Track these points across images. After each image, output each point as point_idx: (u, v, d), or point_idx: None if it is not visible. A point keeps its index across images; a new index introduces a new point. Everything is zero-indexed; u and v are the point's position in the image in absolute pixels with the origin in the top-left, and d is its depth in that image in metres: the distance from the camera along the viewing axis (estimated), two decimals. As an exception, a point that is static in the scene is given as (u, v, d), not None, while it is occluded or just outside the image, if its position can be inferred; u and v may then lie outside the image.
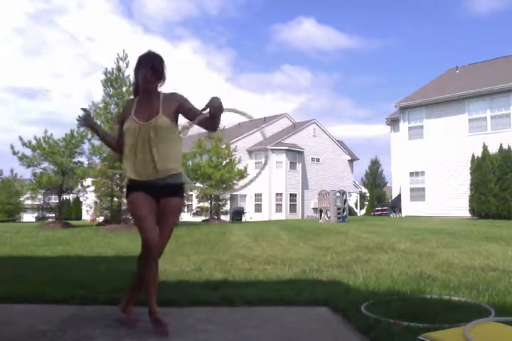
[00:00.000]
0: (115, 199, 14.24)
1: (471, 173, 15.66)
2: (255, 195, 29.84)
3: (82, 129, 15.47)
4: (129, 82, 14.42)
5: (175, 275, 3.97)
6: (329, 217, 16.26)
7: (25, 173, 23.55)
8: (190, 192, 22.33)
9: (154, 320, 2.38)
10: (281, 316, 2.77)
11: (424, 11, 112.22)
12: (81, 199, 26.19)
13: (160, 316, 2.38)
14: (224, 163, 19.10)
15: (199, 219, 19.03)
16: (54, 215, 18.23)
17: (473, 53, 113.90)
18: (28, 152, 15.32)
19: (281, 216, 28.20)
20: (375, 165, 37.24)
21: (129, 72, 14.90)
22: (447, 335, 1.92)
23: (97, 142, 14.58)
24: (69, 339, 2.30)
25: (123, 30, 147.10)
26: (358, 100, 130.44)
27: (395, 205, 21.65)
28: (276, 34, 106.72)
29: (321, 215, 16.92)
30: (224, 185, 18.79)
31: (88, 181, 16.92)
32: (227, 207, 22.38)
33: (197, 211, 19.47)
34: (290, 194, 29.59)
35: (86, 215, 29.13)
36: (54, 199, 21.55)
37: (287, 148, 29.32)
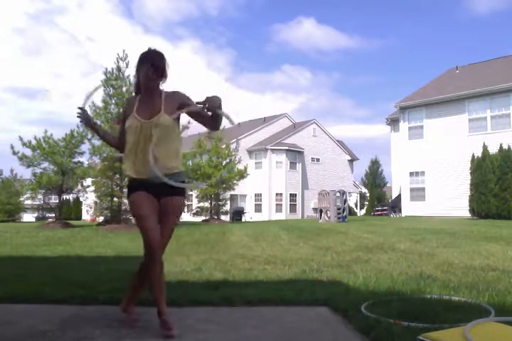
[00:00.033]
0: (115, 199, 14.24)
1: (471, 173, 15.67)
2: (255, 195, 29.84)
3: (82, 129, 15.48)
4: (129, 82, 14.42)
5: (175, 275, 3.97)
6: (329, 217, 16.26)
7: (25, 173, 23.57)
8: (190, 192, 22.32)
9: (162, 322, 2.38)
10: (281, 316, 2.77)
11: (424, 11, 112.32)
12: (81, 199, 26.19)
13: (168, 318, 2.37)
14: (224, 163, 19.12)
15: (199, 219, 19.02)
16: (54, 215, 18.23)
17: (473, 53, 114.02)
18: (28, 152, 15.35)
19: (281, 216, 28.20)
20: (375, 165, 37.23)
21: (129, 72, 14.92)
22: (447, 335, 1.92)
23: (97, 142, 14.58)
24: (69, 339, 2.30)
25: (123, 30, 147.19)
26: (358, 100, 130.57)
27: (395, 205, 21.66)
28: (276, 34, 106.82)
29: (321, 215, 16.92)
30: (224, 185, 18.81)
31: (88, 181, 16.92)
32: (227, 207, 22.38)
33: (197, 211, 19.47)
34: (290, 194, 29.59)
35: (86, 215, 29.14)
36: (54, 199, 21.56)
37: (287, 148, 29.32)
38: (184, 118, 2.60)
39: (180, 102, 2.48)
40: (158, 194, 2.46)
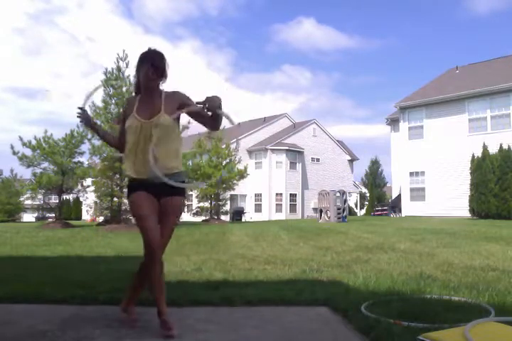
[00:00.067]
0: (115, 199, 14.24)
1: (471, 173, 15.67)
2: (255, 195, 29.85)
3: (82, 129, 15.48)
4: (129, 82, 14.41)
5: (175, 276, 3.97)
6: (329, 217, 16.26)
7: (25, 173, 23.56)
8: (190, 192, 22.33)
9: (162, 322, 2.38)
10: (281, 316, 2.77)
11: (424, 11, 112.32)
12: (81, 199, 26.18)
13: (168, 318, 2.37)
14: (224, 163, 19.12)
15: (199, 219, 19.02)
16: (54, 215, 18.22)
17: (473, 53, 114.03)
18: (28, 152, 15.35)
19: (281, 216, 28.20)
20: (375, 165, 37.24)
21: (129, 72, 14.92)
22: (447, 335, 1.92)
23: (97, 142, 14.58)
24: (69, 339, 2.30)
25: (123, 30, 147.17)
26: (358, 100, 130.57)
27: (395, 205, 21.66)
28: (276, 34, 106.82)
29: (321, 215, 16.93)
30: (224, 185, 18.81)
31: (88, 181, 16.92)
32: (227, 207, 22.38)
33: (197, 211, 19.47)
34: (290, 194, 29.59)
35: (86, 215, 29.14)
36: (54, 199, 21.55)
37: (287, 148, 29.33)
38: (184, 118, 2.61)
39: (180, 102, 2.48)
40: (158, 194, 2.46)
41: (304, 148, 30.59)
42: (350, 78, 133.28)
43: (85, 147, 21.51)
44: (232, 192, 21.62)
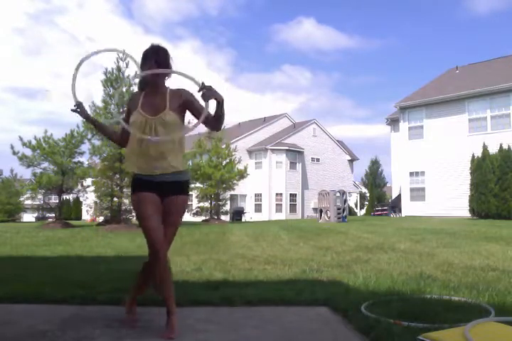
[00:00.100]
0: (115, 199, 14.24)
1: (471, 173, 15.67)
2: (255, 195, 29.84)
3: (82, 129, 15.49)
4: (129, 82, 14.41)
5: (175, 276, 3.96)
6: (329, 217, 16.26)
7: (25, 173, 23.55)
8: (190, 192, 22.32)
9: (168, 322, 2.38)
10: (281, 316, 2.77)
11: (424, 11, 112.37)
12: (81, 199, 26.18)
13: (175, 319, 2.37)
14: (224, 163, 19.12)
15: (199, 219, 19.02)
16: (54, 215, 18.22)
17: (473, 53, 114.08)
18: (28, 152, 15.34)
19: (281, 216, 28.20)
20: (375, 165, 37.24)
21: (129, 72, 14.92)
22: (447, 335, 1.92)
23: (97, 142, 14.60)
24: (69, 339, 2.30)
25: (123, 30, 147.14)
26: (358, 100, 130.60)
27: (395, 205, 21.66)
28: (276, 34, 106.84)
29: (321, 215, 16.92)
30: (224, 185, 18.81)
31: (88, 181, 16.92)
32: (227, 207, 22.38)
33: (197, 211, 19.47)
34: (290, 194, 29.58)
35: (86, 215, 29.14)
36: (54, 199, 21.56)
37: (287, 148, 29.32)
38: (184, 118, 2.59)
39: (184, 99, 2.46)
40: (161, 193, 2.44)
41: (304, 148, 30.59)
42: (350, 78, 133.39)
43: (85, 147, 21.56)
44: (232, 192, 21.62)
